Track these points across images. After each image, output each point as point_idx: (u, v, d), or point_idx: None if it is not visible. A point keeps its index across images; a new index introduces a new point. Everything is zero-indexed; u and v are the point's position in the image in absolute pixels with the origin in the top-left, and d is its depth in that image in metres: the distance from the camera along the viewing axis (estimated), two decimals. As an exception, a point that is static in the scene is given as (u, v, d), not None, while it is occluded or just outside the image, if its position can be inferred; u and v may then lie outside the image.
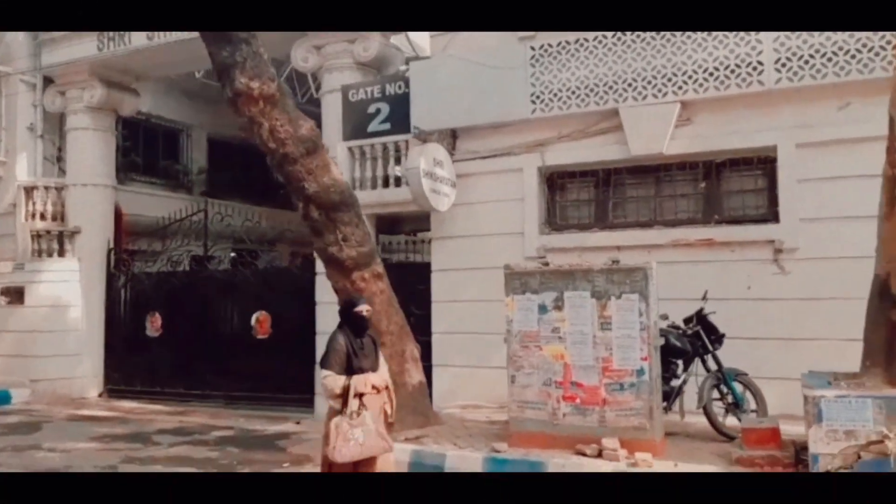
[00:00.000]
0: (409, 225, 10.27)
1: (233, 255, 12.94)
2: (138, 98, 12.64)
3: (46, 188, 12.01)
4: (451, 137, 8.78)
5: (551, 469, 5.56)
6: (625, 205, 8.21)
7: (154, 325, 11.55)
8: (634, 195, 8.13)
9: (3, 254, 12.12)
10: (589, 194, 8.34)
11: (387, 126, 9.18)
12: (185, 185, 15.28)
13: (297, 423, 9.13)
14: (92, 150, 12.09)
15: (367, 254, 6.82)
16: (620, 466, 5.45)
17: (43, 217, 11.91)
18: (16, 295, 11.78)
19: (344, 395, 4.35)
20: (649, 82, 7.61)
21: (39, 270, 11.71)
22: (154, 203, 13.82)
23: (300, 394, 10.03)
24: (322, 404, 9.42)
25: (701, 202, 7.84)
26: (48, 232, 11.79)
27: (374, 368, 4.60)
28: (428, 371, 8.83)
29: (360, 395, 4.36)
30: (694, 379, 6.36)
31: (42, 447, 7.36)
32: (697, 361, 6.42)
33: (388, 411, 4.57)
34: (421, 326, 8.96)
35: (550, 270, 6.13)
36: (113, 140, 12.54)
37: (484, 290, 8.50)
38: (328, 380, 4.40)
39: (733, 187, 7.71)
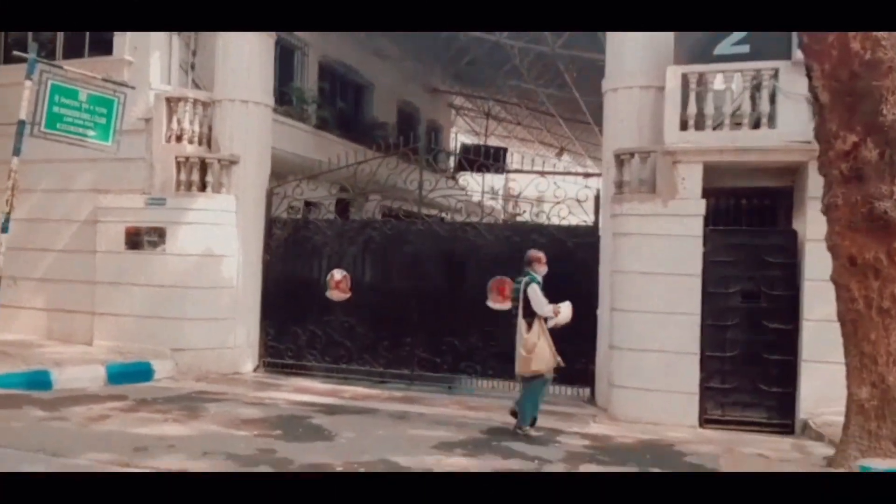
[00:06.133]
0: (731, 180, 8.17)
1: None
2: (304, -4, 9.89)
3: (195, 102, 9.24)
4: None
5: None
6: None
7: (339, 286, 9.11)
8: None
9: (127, 183, 9.31)
10: None
11: (744, 48, 7.12)
12: (300, 115, 12.58)
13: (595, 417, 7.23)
14: (250, 58, 9.35)
15: (921, 220, 4.83)
16: None
17: (190, 140, 9.18)
18: (151, 238, 9.06)
19: None
20: None
21: (185, 208, 9.00)
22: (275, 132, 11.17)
23: (569, 384, 8.02)
24: (619, 397, 7.49)
25: None
26: (201, 160, 9.06)
27: None
28: (792, 368, 7.06)
29: None
30: None
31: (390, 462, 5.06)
32: None
33: None
34: (778, 312, 7.12)
35: None
36: (273, 47, 9.80)
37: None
38: None
39: None
